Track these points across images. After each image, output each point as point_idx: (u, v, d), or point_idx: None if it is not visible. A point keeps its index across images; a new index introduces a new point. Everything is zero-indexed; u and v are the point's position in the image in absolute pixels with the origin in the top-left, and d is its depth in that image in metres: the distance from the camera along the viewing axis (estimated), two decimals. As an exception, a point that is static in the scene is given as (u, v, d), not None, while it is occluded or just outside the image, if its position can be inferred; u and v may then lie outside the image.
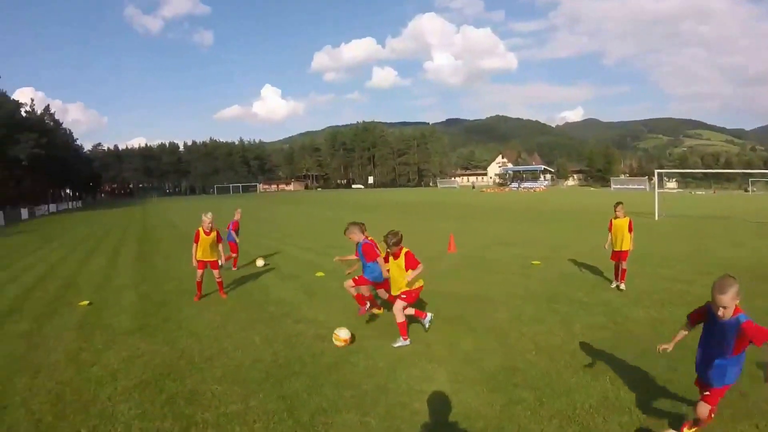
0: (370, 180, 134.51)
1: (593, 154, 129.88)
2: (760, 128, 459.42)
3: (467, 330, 6.42)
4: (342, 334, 5.94)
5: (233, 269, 11.55)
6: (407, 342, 5.92)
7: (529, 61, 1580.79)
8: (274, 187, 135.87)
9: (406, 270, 5.99)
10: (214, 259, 8.60)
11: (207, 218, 8.44)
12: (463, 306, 7.64)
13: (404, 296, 6.05)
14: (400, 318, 5.98)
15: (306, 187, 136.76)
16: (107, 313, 7.95)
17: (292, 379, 4.95)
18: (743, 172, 77.61)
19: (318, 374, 5.07)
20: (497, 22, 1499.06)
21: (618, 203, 8.96)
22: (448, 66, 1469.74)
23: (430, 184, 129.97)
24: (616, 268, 8.83)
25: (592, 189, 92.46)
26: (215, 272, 8.63)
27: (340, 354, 5.65)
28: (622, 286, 8.56)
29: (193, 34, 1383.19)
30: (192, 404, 4.50)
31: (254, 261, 12.44)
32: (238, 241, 11.95)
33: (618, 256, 8.75)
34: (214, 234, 8.52)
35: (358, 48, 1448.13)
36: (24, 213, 48.69)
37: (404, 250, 6.07)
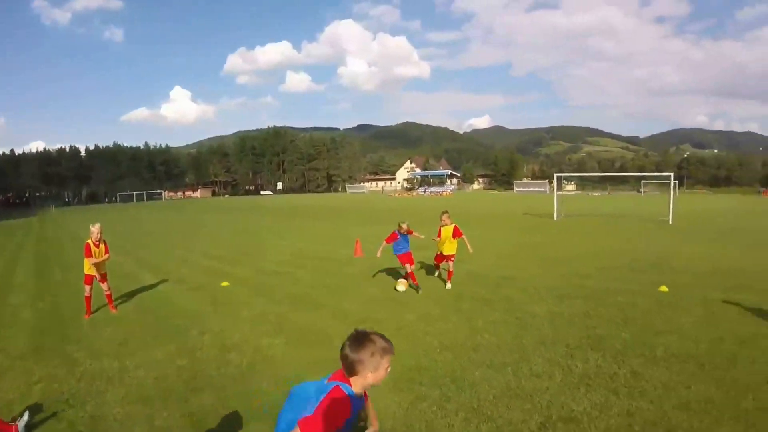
0: (279, 186, 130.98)
1: (498, 159, 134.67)
2: (653, 136, 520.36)
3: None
4: None
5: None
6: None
7: (442, 70, 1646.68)
8: (180, 194, 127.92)
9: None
10: (104, 271, 8.20)
11: (95, 229, 7.97)
12: (374, 307, 7.81)
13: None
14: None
15: (213, 194, 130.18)
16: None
17: (197, 393, 4.77)
18: (636, 176, 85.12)
19: (224, 387, 4.91)
20: (413, 32, 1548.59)
21: (444, 212, 9.24)
22: (362, 72, 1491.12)
23: (339, 189, 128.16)
24: (441, 269, 9.92)
25: (496, 192, 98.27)
26: (103, 285, 8.16)
27: (246, 364, 5.54)
28: (448, 286, 9.05)
29: (103, 31, 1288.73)
30: (94, 430, 4.18)
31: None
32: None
33: (444, 258, 9.43)
34: (102, 246, 8.04)
35: (274, 51, 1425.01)
36: None
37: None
